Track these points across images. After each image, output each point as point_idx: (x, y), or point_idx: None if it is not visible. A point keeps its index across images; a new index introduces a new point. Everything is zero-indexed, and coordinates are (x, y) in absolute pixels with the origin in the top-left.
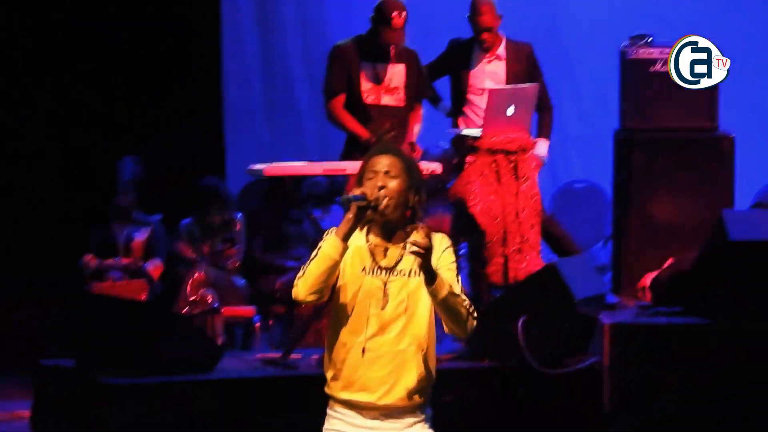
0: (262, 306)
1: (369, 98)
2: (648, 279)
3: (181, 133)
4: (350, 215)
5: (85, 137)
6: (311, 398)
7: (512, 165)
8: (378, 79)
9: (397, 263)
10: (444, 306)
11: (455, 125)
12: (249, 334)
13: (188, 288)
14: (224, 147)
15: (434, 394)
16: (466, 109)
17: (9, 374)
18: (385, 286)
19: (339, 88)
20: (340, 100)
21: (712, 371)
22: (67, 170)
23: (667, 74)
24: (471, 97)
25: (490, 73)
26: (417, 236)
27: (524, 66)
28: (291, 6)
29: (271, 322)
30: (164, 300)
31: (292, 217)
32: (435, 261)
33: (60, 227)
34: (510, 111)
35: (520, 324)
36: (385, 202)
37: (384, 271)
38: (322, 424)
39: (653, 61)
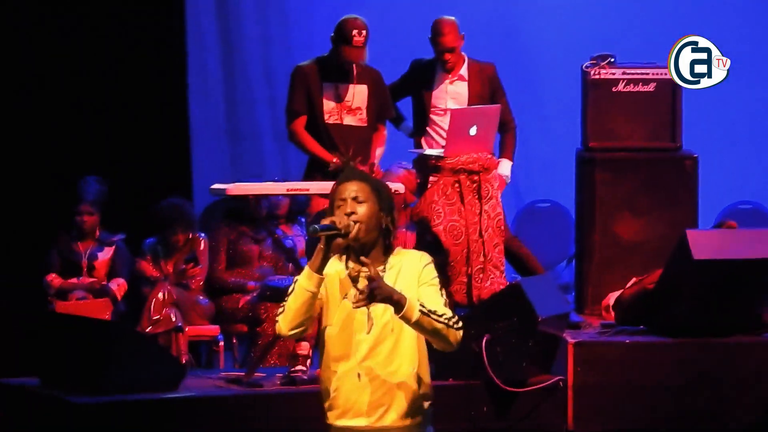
0: (226, 325)
1: (331, 119)
2: (611, 298)
3: (145, 153)
4: (321, 245)
5: (48, 156)
6: (275, 417)
7: (475, 185)
8: (340, 100)
9: None
10: (420, 327)
11: (417, 145)
12: (213, 352)
13: (152, 307)
14: (190, 166)
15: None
16: (429, 129)
17: None
18: (368, 311)
19: (300, 109)
20: (302, 121)
21: (676, 390)
22: (30, 189)
23: (629, 93)
24: (433, 117)
25: (452, 93)
26: (360, 284)
27: (487, 86)
28: (253, 27)
29: (234, 341)
30: (128, 319)
31: (255, 237)
32: (416, 278)
33: (23, 246)
34: (473, 131)
35: (484, 343)
36: (355, 229)
37: (365, 297)
38: None
39: (616, 81)
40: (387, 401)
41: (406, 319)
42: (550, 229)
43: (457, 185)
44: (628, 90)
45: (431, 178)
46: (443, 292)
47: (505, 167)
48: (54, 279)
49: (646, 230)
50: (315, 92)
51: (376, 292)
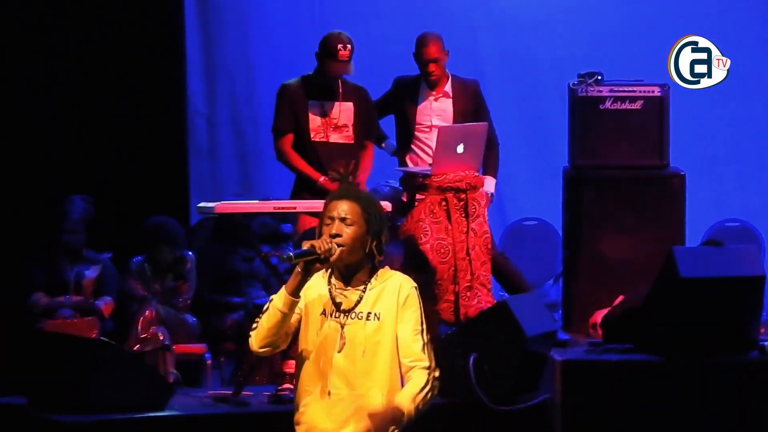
0: (213, 343)
1: (317, 136)
2: (599, 316)
3: (135, 171)
4: (299, 269)
5: (35, 174)
6: None
7: (462, 203)
8: (326, 117)
9: (355, 306)
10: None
11: (402, 163)
12: (200, 371)
13: (139, 326)
14: (188, 185)
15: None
16: (413, 146)
17: None
18: (342, 329)
19: (287, 127)
20: (289, 139)
21: (664, 408)
22: (16, 207)
23: (617, 111)
24: (418, 134)
25: (437, 110)
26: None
27: (471, 103)
28: (237, 45)
29: (222, 360)
30: (115, 337)
31: (243, 255)
32: (395, 305)
33: (9, 265)
34: (460, 149)
35: (471, 361)
36: (337, 253)
37: (342, 315)
38: None
39: (603, 99)
40: (352, 422)
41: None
42: (537, 247)
43: (444, 203)
44: (615, 108)
45: (418, 196)
46: (423, 331)
47: (489, 184)
48: (41, 298)
49: (633, 248)
50: (301, 110)
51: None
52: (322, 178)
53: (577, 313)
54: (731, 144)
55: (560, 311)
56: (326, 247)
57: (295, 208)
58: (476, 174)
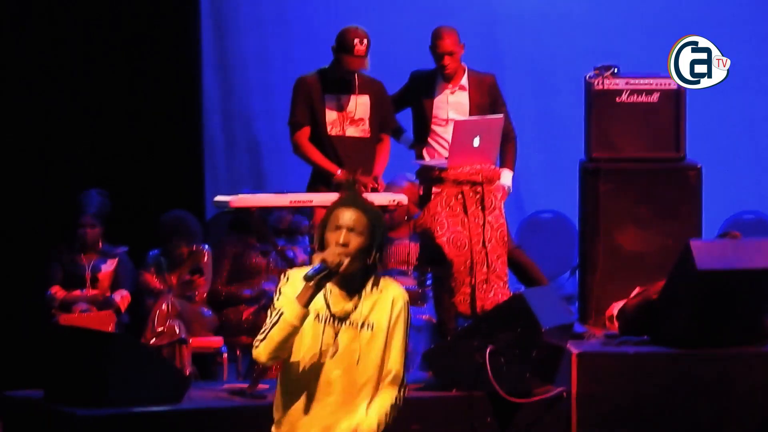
0: (229, 337)
1: (333, 130)
2: (615, 308)
3: (152, 164)
4: (311, 284)
5: (52, 168)
6: None
7: (478, 196)
8: (342, 111)
9: (350, 313)
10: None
11: (419, 156)
12: (216, 364)
13: (155, 319)
14: (203, 178)
15: (403, 424)
16: (430, 140)
17: None
18: (336, 336)
19: (303, 121)
20: (305, 133)
21: (679, 400)
22: (32, 201)
23: (633, 104)
24: (435, 127)
25: (453, 104)
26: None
27: (487, 96)
28: (253, 37)
29: (238, 353)
30: (131, 331)
31: (259, 249)
32: (386, 318)
33: (25, 259)
34: (476, 142)
35: (487, 353)
36: (346, 263)
37: (337, 321)
38: None
39: (619, 92)
40: (336, 427)
41: None
42: (554, 240)
43: (460, 196)
44: (631, 101)
45: (434, 189)
46: (406, 346)
47: (506, 177)
48: (57, 291)
49: (649, 241)
50: (317, 104)
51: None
52: (339, 171)
53: (594, 306)
54: (747, 136)
55: (576, 303)
56: (337, 260)
57: (311, 201)
58: (493, 167)
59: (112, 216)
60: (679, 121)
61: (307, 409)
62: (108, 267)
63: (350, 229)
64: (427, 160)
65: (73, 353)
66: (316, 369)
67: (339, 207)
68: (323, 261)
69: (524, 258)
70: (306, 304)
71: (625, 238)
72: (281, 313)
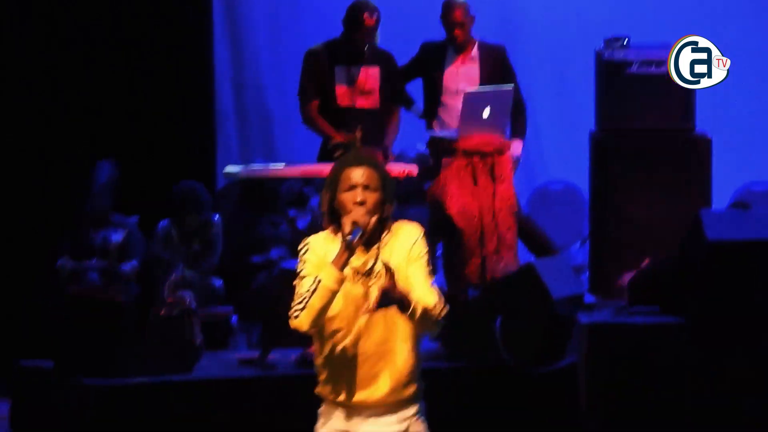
0: (240, 307)
1: (343, 101)
2: (625, 279)
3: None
4: (344, 248)
5: (62, 138)
6: (289, 398)
7: (488, 167)
8: (352, 82)
9: (373, 266)
10: (415, 320)
11: (429, 127)
12: (226, 334)
13: (166, 290)
14: (215, 149)
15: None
16: (440, 111)
17: None
18: (366, 291)
19: (313, 92)
20: (315, 104)
21: (690, 370)
22: (43, 172)
23: (643, 76)
24: (445, 99)
25: (463, 75)
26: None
27: (498, 67)
28: (264, 8)
29: (248, 323)
30: (141, 302)
31: (269, 219)
32: (405, 253)
33: (35, 230)
34: (486, 113)
35: (497, 324)
36: (371, 222)
37: (362, 276)
38: (301, 422)
39: (629, 63)
40: (381, 377)
41: (412, 317)
42: (564, 210)
43: (470, 167)
44: (641, 72)
45: (444, 160)
46: (430, 268)
47: (516, 147)
48: (67, 262)
49: (659, 211)
50: (327, 75)
51: (394, 296)
52: (339, 135)
53: (604, 276)
54: (758, 107)
55: (587, 274)
56: (367, 220)
57: (322, 172)
58: (503, 138)
59: (122, 187)
60: (689, 92)
61: (349, 365)
62: (118, 237)
63: (365, 187)
64: (437, 131)
65: (83, 324)
66: (352, 326)
67: (347, 166)
68: (355, 223)
69: (534, 228)
70: (342, 268)
71: (636, 208)
72: (319, 280)
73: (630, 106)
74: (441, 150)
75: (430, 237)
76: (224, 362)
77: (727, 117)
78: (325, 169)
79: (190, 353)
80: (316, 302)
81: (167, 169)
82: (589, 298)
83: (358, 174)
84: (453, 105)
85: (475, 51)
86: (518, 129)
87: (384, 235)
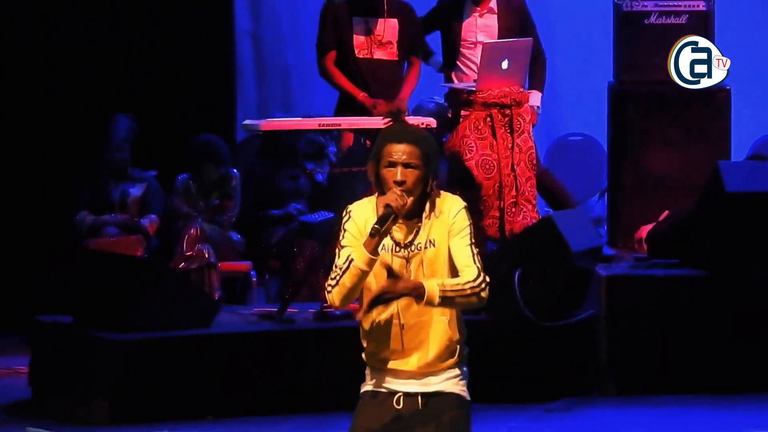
0: (258, 261)
1: (361, 53)
2: (644, 231)
3: (182, 89)
4: (373, 233)
5: (82, 93)
6: (308, 352)
7: (507, 119)
8: (370, 33)
9: (414, 238)
10: (447, 305)
11: (448, 79)
12: (245, 289)
13: (184, 243)
14: (234, 103)
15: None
16: (459, 63)
17: (7, 331)
18: (407, 263)
19: (330, 44)
20: (332, 56)
21: (709, 322)
22: (62, 126)
23: (661, 26)
24: (463, 51)
25: (482, 27)
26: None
27: (516, 19)
28: None
29: (267, 277)
30: (160, 255)
31: (288, 173)
32: (447, 226)
33: (55, 184)
34: (504, 65)
35: (516, 277)
36: (408, 202)
37: (402, 248)
38: (319, 376)
39: (648, 14)
40: (423, 347)
41: (430, 305)
42: (582, 163)
43: (488, 119)
44: (660, 22)
45: (463, 113)
46: (473, 244)
47: (535, 98)
48: (86, 216)
49: (678, 163)
50: (345, 27)
51: (391, 296)
52: (361, 95)
53: (623, 228)
54: None
55: (605, 226)
56: (402, 202)
57: (339, 125)
58: (521, 89)
59: (141, 140)
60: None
61: (392, 336)
62: (137, 192)
63: (405, 165)
64: (456, 83)
65: (102, 278)
66: (392, 297)
67: (389, 141)
68: (388, 206)
69: (553, 181)
70: (374, 252)
71: (654, 160)
72: (351, 260)
73: (648, 57)
74: (459, 102)
75: (449, 190)
76: (243, 316)
77: (747, 68)
78: (343, 121)
79: (208, 307)
80: (347, 281)
81: (186, 123)
82: (607, 251)
83: (399, 151)
84: (471, 57)
85: (493, 2)
86: (537, 81)
87: (428, 209)
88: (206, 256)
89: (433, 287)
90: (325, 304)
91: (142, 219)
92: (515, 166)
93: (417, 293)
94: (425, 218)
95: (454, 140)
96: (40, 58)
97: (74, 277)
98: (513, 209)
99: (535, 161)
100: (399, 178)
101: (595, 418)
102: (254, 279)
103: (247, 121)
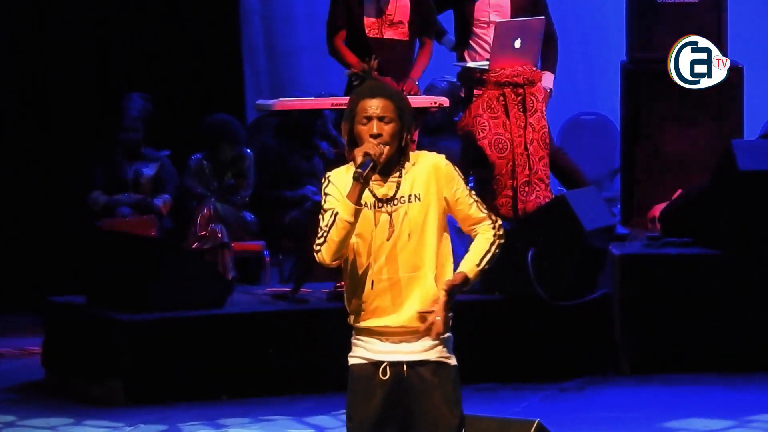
0: (272, 241)
1: (372, 32)
2: (657, 210)
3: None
4: (359, 180)
5: (95, 72)
6: (321, 332)
7: (520, 98)
8: (381, 14)
9: (395, 193)
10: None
11: (460, 59)
12: (259, 268)
13: (198, 223)
14: (243, 83)
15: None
16: (472, 43)
17: (21, 311)
18: (390, 217)
19: (341, 23)
20: (342, 35)
21: (722, 301)
22: (76, 105)
23: (674, 5)
24: (476, 30)
25: (495, 6)
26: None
27: None
28: None
29: (280, 257)
30: (174, 235)
31: (302, 153)
32: (433, 181)
33: (68, 163)
34: (517, 44)
35: (529, 256)
36: (385, 152)
37: (385, 204)
38: (333, 357)
39: None
40: (406, 304)
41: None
42: (595, 142)
43: (501, 98)
44: (672, 1)
45: (476, 92)
46: (470, 192)
47: (548, 80)
48: (100, 196)
49: (691, 142)
50: (356, 6)
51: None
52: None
53: (636, 208)
54: None
55: (618, 205)
56: (379, 151)
57: None
58: (534, 69)
59: (154, 120)
60: (720, 21)
61: (375, 292)
62: (150, 171)
63: (380, 119)
64: (469, 62)
65: (115, 258)
66: (378, 254)
67: (363, 98)
68: (366, 154)
69: (566, 160)
70: (357, 201)
71: (667, 139)
72: (336, 213)
73: (661, 35)
74: (472, 81)
75: (462, 169)
76: (256, 296)
77: (759, 46)
78: None
79: (222, 287)
80: (334, 235)
81: (197, 103)
82: (621, 230)
83: (373, 105)
84: (484, 36)
85: None
86: (549, 60)
87: (405, 164)
88: (219, 236)
89: (471, 274)
90: (338, 284)
91: (156, 199)
92: (528, 145)
93: (466, 288)
94: (404, 173)
95: (466, 119)
96: (54, 38)
97: (88, 257)
98: (526, 188)
99: (548, 140)
100: (375, 131)
101: (609, 396)
102: (267, 259)
103: (260, 101)
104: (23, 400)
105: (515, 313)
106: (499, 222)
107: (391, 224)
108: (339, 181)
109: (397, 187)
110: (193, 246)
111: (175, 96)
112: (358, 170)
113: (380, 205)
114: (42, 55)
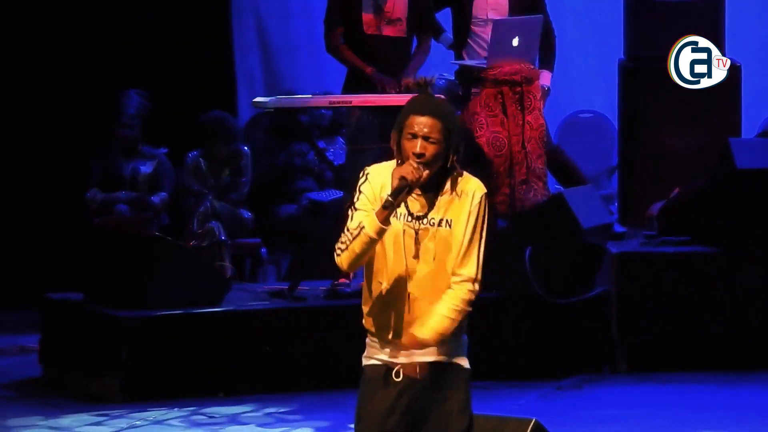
0: (269, 238)
1: (370, 29)
2: (655, 208)
3: (188, 66)
4: (390, 199)
5: (90, 69)
6: (318, 330)
7: (518, 96)
8: (380, 10)
9: (428, 212)
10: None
11: (458, 57)
12: (256, 266)
13: (195, 221)
14: (235, 80)
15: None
16: (470, 41)
17: (18, 308)
18: (417, 234)
19: (338, 19)
20: (339, 32)
21: (719, 299)
22: (72, 103)
23: (672, 3)
24: (474, 28)
25: (493, 4)
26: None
27: None
28: None
29: (278, 254)
30: (171, 233)
31: (298, 151)
32: (466, 212)
33: (65, 161)
34: (515, 42)
35: (527, 254)
36: (424, 176)
37: (416, 220)
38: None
39: None
40: (421, 322)
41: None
42: (593, 140)
43: (499, 96)
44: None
45: (473, 90)
46: (481, 240)
47: (545, 78)
48: (97, 193)
49: (689, 140)
50: (354, 2)
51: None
52: (369, 69)
53: (633, 206)
54: None
55: (616, 203)
56: (417, 175)
57: (350, 102)
58: (532, 67)
59: (151, 117)
60: (718, 20)
61: (390, 306)
62: (147, 169)
63: (425, 138)
64: (467, 60)
65: (112, 255)
66: (399, 269)
67: (413, 113)
68: (403, 179)
69: (564, 158)
70: (384, 221)
71: (665, 137)
72: (362, 227)
73: (659, 34)
74: (470, 79)
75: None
76: (254, 294)
77: (757, 44)
78: (354, 98)
79: (219, 285)
80: (356, 247)
81: (191, 101)
82: (618, 228)
83: (420, 123)
84: (482, 34)
85: None
86: (547, 58)
87: (448, 185)
88: (216, 233)
89: (431, 338)
90: (335, 282)
91: (153, 196)
92: (526, 144)
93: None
94: (443, 194)
95: (464, 117)
96: (50, 35)
97: (85, 255)
98: (523, 186)
99: (545, 138)
100: (418, 150)
101: (606, 394)
102: (265, 256)
103: (257, 98)
104: (20, 397)
105: (512, 311)
106: (477, 289)
107: (417, 242)
108: (376, 180)
109: (432, 207)
110: (190, 243)
111: (173, 93)
112: (390, 198)
113: (410, 219)
114: (38, 54)
